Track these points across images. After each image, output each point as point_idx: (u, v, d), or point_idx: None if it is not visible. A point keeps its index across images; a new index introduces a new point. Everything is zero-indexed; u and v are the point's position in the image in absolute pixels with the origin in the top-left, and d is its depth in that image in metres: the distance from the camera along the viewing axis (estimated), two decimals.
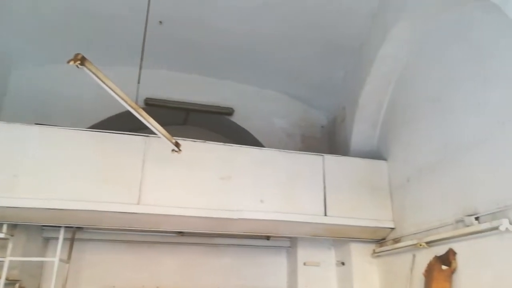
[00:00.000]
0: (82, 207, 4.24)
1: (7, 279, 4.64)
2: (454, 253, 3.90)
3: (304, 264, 6.08)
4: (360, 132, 5.91)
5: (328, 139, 7.12)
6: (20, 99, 5.74)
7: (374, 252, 5.52)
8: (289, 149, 5.54)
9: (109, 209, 4.31)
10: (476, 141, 3.76)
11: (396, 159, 5.31)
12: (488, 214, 3.48)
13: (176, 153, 4.24)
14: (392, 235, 5.17)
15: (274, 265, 6.58)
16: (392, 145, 5.43)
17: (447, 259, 3.95)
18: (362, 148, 5.89)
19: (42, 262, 5.65)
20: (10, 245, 4.71)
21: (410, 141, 4.96)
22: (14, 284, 4.83)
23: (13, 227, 4.79)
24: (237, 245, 6.44)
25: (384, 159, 5.53)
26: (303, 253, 6.16)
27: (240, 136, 7.00)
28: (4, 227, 4.60)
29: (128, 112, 3.48)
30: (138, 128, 4.86)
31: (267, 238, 6.38)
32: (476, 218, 3.59)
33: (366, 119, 5.82)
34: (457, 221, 3.86)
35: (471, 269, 3.67)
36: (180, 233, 5.96)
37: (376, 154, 5.75)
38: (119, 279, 5.96)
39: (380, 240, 5.46)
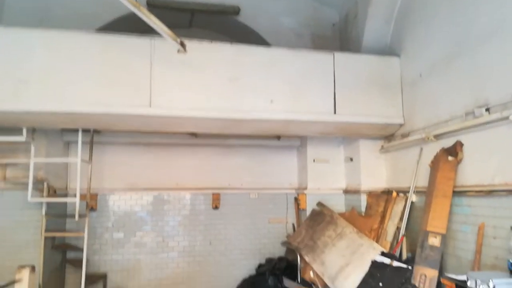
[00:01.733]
0: (93, 111, 4.32)
1: (35, 178, 4.99)
2: (461, 145, 3.99)
3: (314, 161, 6.34)
4: (373, 28, 5.64)
5: (339, 37, 6.84)
6: (20, 3, 5.52)
7: (382, 147, 5.68)
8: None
9: (122, 112, 4.40)
10: (491, 30, 3.61)
11: (409, 54, 5.15)
12: (499, 104, 3.47)
13: (182, 53, 4.18)
14: (401, 131, 5.26)
15: (285, 163, 6.90)
16: (405, 41, 5.22)
17: (454, 150, 4.06)
18: (375, 45, 5.68)
19: (66, 164, 6.01)
20: (32, 148, 4.97)
21: (424, 35, 4.75)
22: (42, 183, 5.21)
23: (32, 131, 4.99)
24: (249, 145, 6.68)
25: (397, 55, 5.37)
26: (312, 151, 6.39)
27: (248, 37, 6.75)
28: (24, 131, 4.80)
29: (129, 16, 3.35)
30: (142, 31, 4.73)
31: (278, 138, 6.57)
32: (487, 110, 3.59)
33: (380, 14, 5.52)
34: (467, 114, 3.88)
35: (477, 159, 3.79)
36: (194, 135, 6.16)
37: (388, 51, 5.57)
38: (140, 178, 6.37)
39: (389, 136, 5.57)
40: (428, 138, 4.44)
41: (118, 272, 6.14)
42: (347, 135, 5.76)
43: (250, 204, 6.73)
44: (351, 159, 6.07)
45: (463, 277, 2.74)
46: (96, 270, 6.03)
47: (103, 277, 6.02)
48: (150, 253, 6.28)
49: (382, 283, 4.30)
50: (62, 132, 5.78)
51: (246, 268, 6.52)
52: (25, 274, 4.04)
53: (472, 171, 3.84)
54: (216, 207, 6.57)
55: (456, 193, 3.96)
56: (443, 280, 2.92)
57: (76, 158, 5.24)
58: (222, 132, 5.53)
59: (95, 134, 5.71)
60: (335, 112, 5.02)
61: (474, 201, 3.76)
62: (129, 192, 6.30)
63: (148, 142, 6.33)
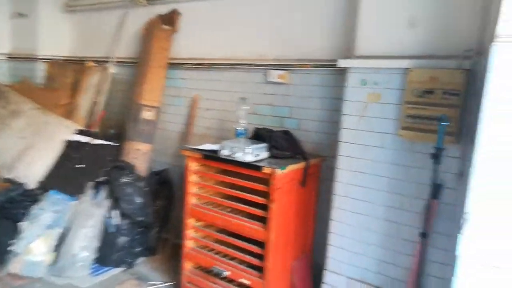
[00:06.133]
0: None
1: None
2: (179, 14, 3.75)
3: None
4: None
5: None
6: None
7: (67, 5, 4.57)
8: None
9: None
10: None
11: None
12: None
13: None
14: None
15: None
16: None
17: (171, 19, 3.77)
18: None
19: None
20: None
21: None
22: None
23: None
24: None
25: None
26: None
27: None
28: None
29: None
30: None
31: None
32: None
33: None
34: None
35: (195, 32, 3.68)
36: None
37: None
38: None
39: None
40: (139, 2, 3.90)
41: None
42: None
43: None
44: (23, 15, 4.56)
45: (213, 147, 2.72)
46: None
47: None
48: None
49: (85, 163, 3.72)
50: None
51: None
52: None
53: (190, 44, 3.73)
54: None
55: (171, 65, 3.79)
56: (184, 152, 2.79)
57: None
58: None
59: None
60: None
61: (189, 74, 3.74)
62: None
63: None
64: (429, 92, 2.19)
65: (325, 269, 2.71)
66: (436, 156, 1.86)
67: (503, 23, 1.33)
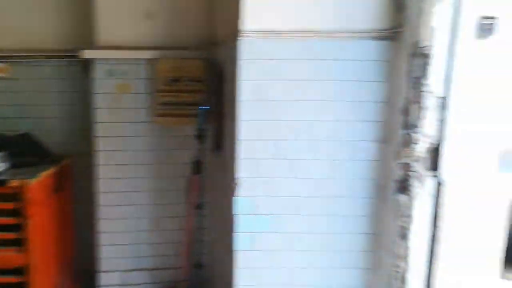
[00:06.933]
0: None
1: None
2: None
3: None
4: None
5: None
6: None
7: None
8: None
9: None
10: None
11: None
12: None
13: None
14: None
15: None
16: None
17: None
18: None
19: None
20: None
21: None
22: None
23: None
24: None
25: None
26: None
27: None
28: None
29: None
30: None
31: None
32: None
33: None
34: None
35: None
36: None
37: None
38: None
39: None
40: None
41: None
42: None
43: None
44: None
45: None
46: None
47: None
48: None
49: None
50: None
51: None
52: None
53: None
54: None
55: None
56: None
57: None
58: None
59: None
60: None
61: None
62: None
63: None
64: (176, 80, 2.39)
65: (98, 271, 2.56)
66: (200, 137, 2.09)
67: (246, 21, 1.65)
